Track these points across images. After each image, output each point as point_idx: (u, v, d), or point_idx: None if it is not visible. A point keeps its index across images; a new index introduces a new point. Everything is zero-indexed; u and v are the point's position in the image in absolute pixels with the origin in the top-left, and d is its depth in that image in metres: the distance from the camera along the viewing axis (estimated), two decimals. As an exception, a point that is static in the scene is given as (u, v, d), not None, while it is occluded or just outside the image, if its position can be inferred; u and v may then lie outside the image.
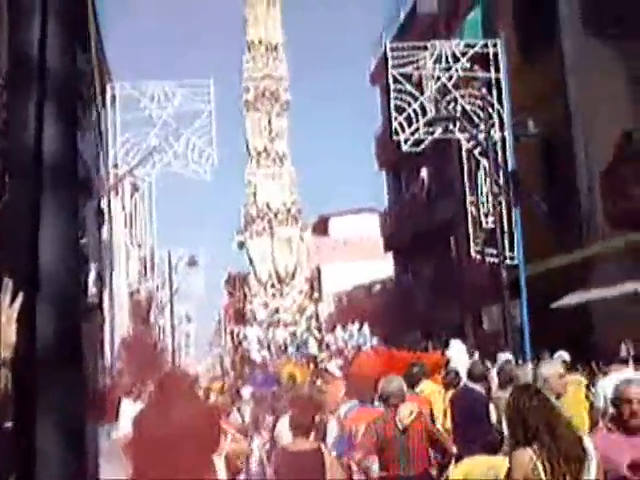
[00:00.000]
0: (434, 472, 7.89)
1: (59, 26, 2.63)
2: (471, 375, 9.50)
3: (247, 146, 43.82)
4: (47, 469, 2.35)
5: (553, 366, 7.32)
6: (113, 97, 23.05)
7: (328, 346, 30.15)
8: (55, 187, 2.52)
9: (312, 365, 25.50)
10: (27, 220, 2.44)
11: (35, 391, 2.37)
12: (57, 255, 2.47)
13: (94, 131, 26.73)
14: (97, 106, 23.47)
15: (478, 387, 9.39)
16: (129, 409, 6.57)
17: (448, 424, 9.21)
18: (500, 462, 5.20)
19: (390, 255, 39.96)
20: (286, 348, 37.27)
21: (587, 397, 9.87)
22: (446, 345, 12.44)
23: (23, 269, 2.43)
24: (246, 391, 14.89)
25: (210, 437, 4.30)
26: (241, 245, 44.75)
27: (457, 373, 10.52)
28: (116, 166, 22.90)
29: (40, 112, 2.50)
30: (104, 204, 23.99)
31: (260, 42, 43.52)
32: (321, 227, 61.60)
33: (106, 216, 24.00)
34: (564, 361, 11.40)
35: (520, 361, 14.18)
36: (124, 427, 6.08)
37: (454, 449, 8.26)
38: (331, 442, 8.10)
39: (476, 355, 14.00)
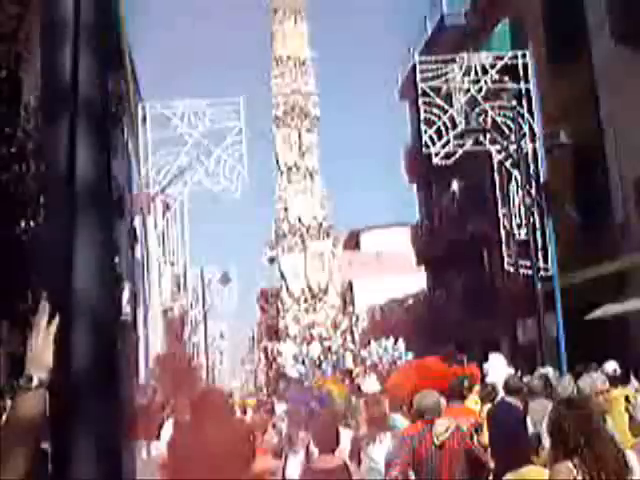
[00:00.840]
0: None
1: (91, 47, 2.65)
2: (508, 388, 9.40)
3: (277, 161, 43.95)
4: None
5: (595, 381, 7.24)
6: (144, 117, 23.25)
7: (363, 361, 30.06)
8: (89, 208, 2.53)
9: (347, 380, 25.43)
10: (61, 242, 2.46)
11: (71, 412, 2.37)
12: (92, 276, 2.48)
13: (126, 151, 27.00)
14: (128, 126, 23.73)
15: (515, 400, 9.29)
16: (169, 428, 6.60)
17: (484, 439, 9.11)
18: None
19: (422, 269, 39.78)
20: (320, 363, 37.19)
21: (627, 410, 9.73)
22: (483, 359, 12.34)
23: (58, 291, 2.44)
24: (280, 408, 14.85)
25: (244, 456, 4.28)
26: (272, 260, 44.82)
27: (494, 387, 10.42)
28: (148, 185, 23.06)
29: (73, 134, 2.52)
30: (137, 223, 24.17)
31: (288, 58, 43.69)
32: (352, 242, 61.57)
33: (139, 235, 24.19)
34: (608, 374, 11.27)
35: (557, 374, 14.01)
36: (160, 446, 6.10)
37: (492, 464, 8.17)
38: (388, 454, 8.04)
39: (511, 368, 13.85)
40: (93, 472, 2.37)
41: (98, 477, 2.38)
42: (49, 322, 2.35)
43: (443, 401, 8.59)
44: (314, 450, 8.18)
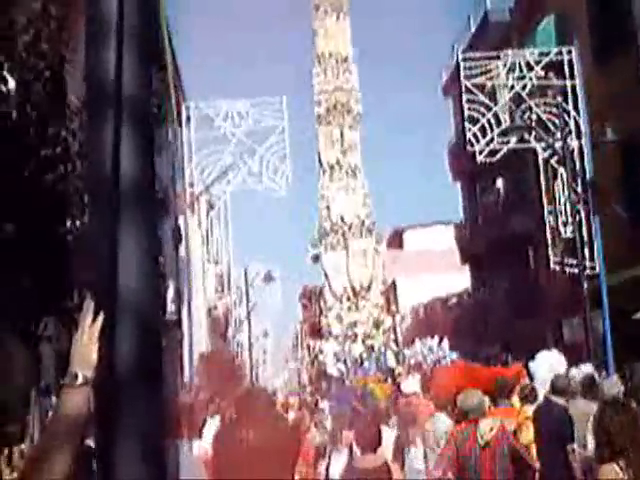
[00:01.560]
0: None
1: (135, 47, 2.66)
2: (554, 388, 9.29)
3: (319, 159, 43.89)
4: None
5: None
6: (188, 117, 23.44)
7: (406, 360, 29.94)
8: (133, 207, 2.54)
9: (390, 379, 25.35)
10: (106, 240, 2.47)
11: (115, 410, 2.38)
12: (136, 274, 2.49)
13: (170, 151, 27.23)
14: (173, 126, 23.92)
15: (561, 400, 9.17)
16: (211, 426, 6.62)
17: (524, 439, 9.02)
18: None
19: (467, 267, 39.53)
20: (362, 362, 37.12)
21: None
22: (528, 358, 12.21)
23: (103, 289, 2.45)
24: (324, 406, 14.85)
25: (290, 455, 4.28)
26: (316, 259, 44.82)
27: (533, 388, 10.33)
28: (192, 185, 23.24)
29: (117, 134, 2.53)
30: (181, 222, 24.36)
31: (330, 55, 43.52)
32: (396, 240, 61.42)
33: (183, 234, 24.38)
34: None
35: (603, 373, 13.83)
36: (205, 444, 6.12)
37: (537, 464, 8.09)
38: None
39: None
40: (137, 471, 2.38)
41: (142, 476, 2.38)
42: (94, 320, 2.37)
43: (487, 401, 8.53)
44: (357, 449, 8.17)
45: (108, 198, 2.51)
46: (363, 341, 42.71)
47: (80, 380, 2.31)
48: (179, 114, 24.37)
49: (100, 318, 2.36)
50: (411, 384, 13.58)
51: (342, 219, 43.97)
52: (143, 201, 2.59)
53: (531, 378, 11.03)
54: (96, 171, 2.57)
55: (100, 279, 2.48)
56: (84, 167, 8.71)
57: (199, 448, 6.18)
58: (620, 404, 4.68)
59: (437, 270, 51.51)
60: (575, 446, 8.28)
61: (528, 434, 9.28)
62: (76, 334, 2.37)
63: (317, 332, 47.74)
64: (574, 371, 10.75)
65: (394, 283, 53.55)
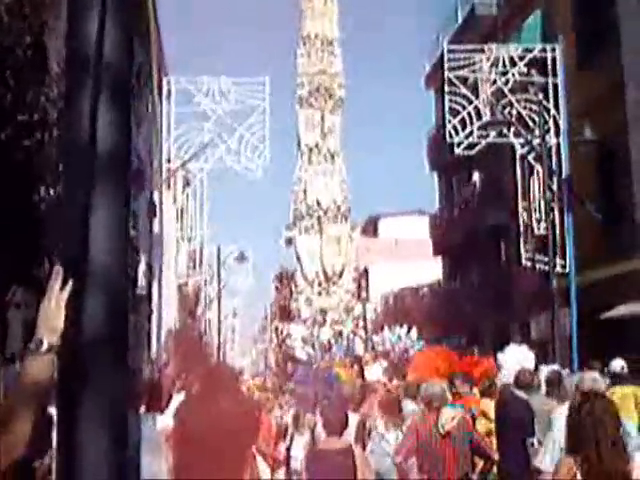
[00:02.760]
0: (475, 478, 7.84)
1: (118, 19, 2.66)
2: (518, 383, 9.41)
3: (298, 142, 43.70)
4: (88, 457, 2.37)
5: (595, 380, 7.24)
6: (169, 91, 23.27)
7: (374, 347, 30.09)
8: (108, 178, 2.54)
9: (356, 366, 25.46)
10: (79, 209, 2.47)
11: (79, 379, 2.39)
12: (107, 245, 2.50)
13: (149, 124, 27.03)
14: (153, 99, 23.75)
15: (524, 395, 9.29)
16: (176, 402, 6.62)
17: (481, 429, 9.14)
18: None
19: (439, 258, 39.73)
20: (330, 347, 37.23)
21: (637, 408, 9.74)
22: (496, 351, 12.33)
23: (73, 257, 2.45)
24: (289, 388, 14.91)
25: (248, 434, 4.31)
26: (289, 241, 44.73)
27: (493, 382, 10.51)
28: (169, 160, 23.12)
29: (95, 103, 2.52)
30: (156, 197, 24.23)
31: (316, 36, 43.20)
32: (370, 228, 61.53)
33: (158, 209, 24.26)
34: (615, 372, 11.23)
35: (567, 371, 13.98)
36: (167, 419, 6.14)
37: (495, 455, 8.20)
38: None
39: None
40: (98, 439, 2.39)
41: (102, 444, 2.40)
42: (62, 287, 2.37)
43: (447, 390, 8.63)
44: (320, 432, 8.23)
45: (82, 167, 2.51)
46: (332, 326, 42.78)
47: (45, 346, 2.32)
48: (160, 88, 24.20)
49: (68, 286, 2.37)
50: (374, 371, 13.69)
51: (318, 203, 43.85)
52: (117, 172, 2.59)
53: (497, 369, 11.15)
54: (72, 139, 2.57)
55: (70, 247, 2.48)
56: (60, 135, 8.64)
57: (161, 422, 6.19)
58: (599, 396, 4.72)
59: (410, 259, 51.72)
60: (534, 440, 8.39)
61: (486, 425, 9.43)
62: (43, 301, 2.37)
63: (286, 315, 47.76)
64: (542, 368, 10.90)
65: (366, 270, 53.72)
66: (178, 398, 6.99)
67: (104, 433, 2.40)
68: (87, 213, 2.46)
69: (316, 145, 43.37)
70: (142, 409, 6.14)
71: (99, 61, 2.55)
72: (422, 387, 8.04)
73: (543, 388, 9.72)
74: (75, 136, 2.55)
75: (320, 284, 44.42)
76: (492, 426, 9.32)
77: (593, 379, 7.02)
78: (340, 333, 41.52)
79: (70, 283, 2.37)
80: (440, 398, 7.76)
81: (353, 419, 8.43)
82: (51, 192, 8.95)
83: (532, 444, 8.37)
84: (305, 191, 44.03)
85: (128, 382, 2.74)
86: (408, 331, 26.76)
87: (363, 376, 13.80)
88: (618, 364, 11.46)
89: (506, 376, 10.13)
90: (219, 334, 41.65)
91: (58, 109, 8.79)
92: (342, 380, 16.99)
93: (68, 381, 2.40)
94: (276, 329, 52.28)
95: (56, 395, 2.42)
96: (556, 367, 12.25)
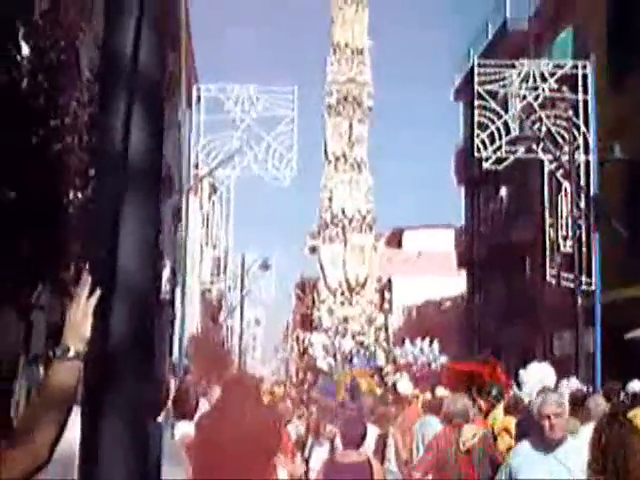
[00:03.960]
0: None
1: (153, 26, 2.66)
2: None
3: (325, 150, 43.68)
4: (110, 462, 2.36)
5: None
6: (198, 98, 23.35)
7: (395, 359, 29.97)
8: (138, 185, 2.54)
9: (377, 377, 25.39)
10: (109, 216, 2.47)
11: (104, 385, 2.38)
12: (135, 252, 2.49)
13: (177, 130, 27.15)
14: (182, 105, 23.86)
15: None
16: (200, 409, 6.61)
17: (501, 447, 9.03)
18: None
19: (462, 272, 39.56)
20: (352, 358, 37.11)
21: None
22: (517, 367, 12.22)
23: (101, 264, 2.45)
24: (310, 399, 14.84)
25: (272, 444, 4.28)
26: (313, 250, 44.65)
27: (518, 399, 10.37)
28: (197, 166, 23.18)
29: (130, 110, 2.53)
30: (182, 203, 24.31)
31: (346, 45, 43.24)
32: (395, 239, 61.41)
33: (183, 215, 24.33)
34: (635, 393, 11.09)
35: (590, 389, 13.83)
36: (187, 427, 6.11)
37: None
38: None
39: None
40: (122, 445, 2.39)
41: (126, 450, 2.39)
42: (90, 294, 2.36)
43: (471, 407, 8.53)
44: (340, 444, 8.19)
45: (115, 173, 2.51)
46: (353, 337, 42.64)
47: (72, 353, 2.31)
48: (189, 95, 24.32)
49: (96, 294, 2.36)
50: (406, 385, 13.59)
51: (343, 212, 43.73)
52: (149, 180, 2.59)
53: (519, 386, 11.04)
54: (105, 145, 2.57)
55: (99, 254, 2.48)
56: (91, 140, 8.69)
57: (181, 430, 6.16)
58: (618, 417, 4.67)
59: (433, 272, 51.56)
60: None
61: (507, 442, 9.32)
62: (71, 307, 2.37)
63: (308, 324, 47.65)
64: (563, 386, 10.76)
65: (390, 281, 53.56)
66: (202, 406, 6.99)
67: (128, 439, 2.40)
68: (118, 220, 2.46)
69: (343, 154, 43.30)
70: (162, 416, 6.13)
71: (134, 67, 2.56)
72: (445, 402, 7.98)
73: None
74: (108, 142, 2.55)
75: (343, 294, 44.26)
76: (513, 443, 9.22)
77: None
78: (362, 344, 41.37)
79: (98, 291, 2.36)
80: (462, 415, 7.68)
81: (373, 432, 8.38)
82: (79, 196, 9.00)
83: None
84: (330, 200, 43.97)
85: (152, 389, 2.73)
86: (430, 344, 26.65)
87: (395, 389, 13.64)
88: (637, 385, 11.32)
89: (527, 393, 10.03)
90: (240, 341, 41.71)
91: (88, 113, 8.85)
92: (361, 391, 16.94)
93: (93, 389, 2.39)
94: (297, 338, 52.21)
95: (81, 402, 2.42)
96: (580, 385, 12.15)
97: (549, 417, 5.11)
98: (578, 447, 5.15)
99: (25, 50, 8.64)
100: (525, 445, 5.44)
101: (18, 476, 2.21)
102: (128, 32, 2.60)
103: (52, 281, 9.15)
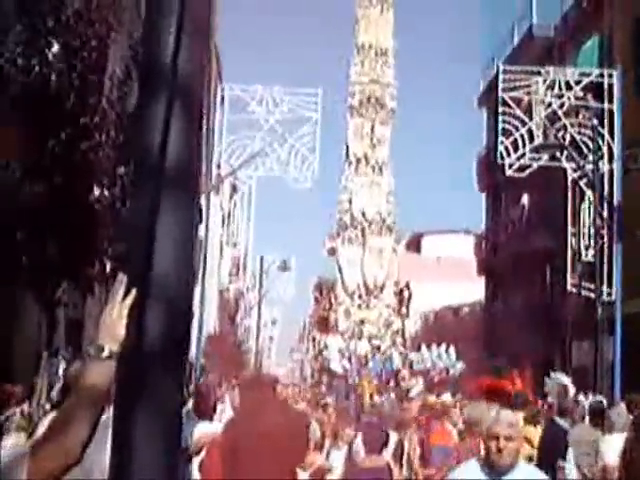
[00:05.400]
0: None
1: (193, 27, 2.66)
2: (561, 410, 9.27)
3: (347, 152, 43.51)
4: (142, 461, 2.37)
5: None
6: (222, 98, 23.38)
7: (411, 365, 29.87)
8: (175, 185, 2.54)
9: (393, 382, 25.31)
10: (145, 216, 2.47)
11: (137, 386, 2.39)
12: (171, 253, 2.50)
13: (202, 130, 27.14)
14: (207, 106, 23.88)
15: (565, 423, 9.15)
16: (221, 412, 6.62)
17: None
18: None
19: (482, 279, 39.41)
20: (367, 361, 36.99)
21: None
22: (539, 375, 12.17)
23: (138, 265, 2.45)
24: (328, 401, 14.83)
25: (298, 448, 4.27)
26: (332, 251, 44.51)
27: (539, 410, 10.32)
28: (219, 166, 23.20)
29: (169, 110, 2.53)
30: (203, 202, 24.35)
31: (370, 46, 42.99)
32: (414, 244, 61.24)
33: (204, 214, 24.38)
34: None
35: (609, 401, 13.74)
36: (205, 427, 6.12)
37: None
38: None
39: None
40: (153, 444, 2.39)
41: (157, 449, 2.40)
42: (125, 295, 2.37)
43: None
44: (357, 448, 8.17)
45: (152, 173, 2.51)
46: (369, 340, 42.49)
47: (106, 353, 2.32)
48: (214, 94, 24.34)
49: (131, 295, 2.36)
50: (418, 388, 13.59)
51: (363, 214, 43.55)
52: (186, 180, 2.58)
53: (544, 396, 10.99)
54: (143, 144, 2.57)
55: (136, 255, 2.48)
56: (119, 138, 8.73)
57: (200, 430, 6.16)
58: None
59: (452, 278, 51.40)
60: (565, 464, 8.24)
61: (524, 453, 9.26)
62: (106, 307, 2.37)
63: (324, 326, 47.52)
64: (581, 398, 10.72)
65: (407, 285, 53.41)
66: (221, 408, 6.99)
67: (159, 438, 2.41)
68: (155, 220, 2.46)
69: (365, 155, 43.09)
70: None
71: (174, 67, 2.56)
72: (465, 409, 7.95)
73: (587, 418, 9.56)
74: (147, 142, 2.55)
75: (360, 296, 44.11)
76: (533, 452, 9.18)
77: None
78: (378, 347, 41.25)
79: (134, 292, 2.36)
80: (482, 423, 7.63)
81: (393, 438, 8.36)
82: (106, 193, 9.03)
83: (560, 467, 8.24)
84: (350, 201, 43.78)
85: (183, 390, 2.74)
86: (446, 349, 26.57)
87: (408, 395, 13.65)
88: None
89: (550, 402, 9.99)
90: (257, 342, 41.72)
91: (116, 112, 8.89)
92: (360, 391, 16.81)
93: (126, 389, 2.40)
94: (313, 340, 52.14)
95: (114, 401, 2.42)
96: (599, 397, 12.08)
97: (497, 438, 4.42)
98: (530, 473, 4.69)
99: (55, 48, 8.68)
100: (473, 466, 4.69)
101: (48, 474, 2.22)
102: (168, 32, 2.60)
103: (76, 278, 9.19)
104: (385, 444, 6.50)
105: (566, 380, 10.80)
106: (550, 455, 8.55)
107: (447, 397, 10.95)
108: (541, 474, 4.77)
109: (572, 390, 10.55)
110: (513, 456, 4.51)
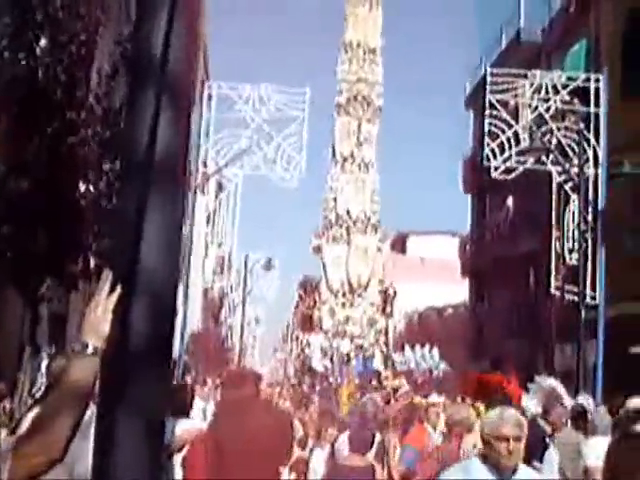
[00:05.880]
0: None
1: (183, 24, 2.66)
2: (545, 414, 9.28)
3: (333, 150, 43.42)
4: (123, 458, 2.36)
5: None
6: (209, 96, 23.30)
7: (394, 364, 29.90)
8: (163, 182, 2.53)
9: (375, 382, 25.30)
10: (133, 214, 2.46)
11: (120, 383, 2.38)
12: (157, 250, 2.49)
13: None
14: (194, 103, 23.80)
15: (546, 425, 9.15)
16: (200, 410, 6.60)
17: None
18: None
19: (466, 280, 39.51)
20: (349, 360, 36.98)
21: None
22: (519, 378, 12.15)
23: (123, 262, 2.44)
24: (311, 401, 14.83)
25: (283, 447, 4.27)
26: (317, 249, 44.44)
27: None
28: (205, 164, 23.14)
29: (157, 106, 2.52)
30: (189, 200, 24.28)
31: (358, 44, 42.84)
32: (399, 244, 61.32)
33: (189, 212, 24.30)
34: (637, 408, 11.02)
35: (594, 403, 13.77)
36: (185, 425, 6.10)
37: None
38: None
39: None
40: (136, 440, 2.39)
41: (140, 446, 2.39)
42: (110, 291, 2.36)
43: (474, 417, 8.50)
44: (340, 447, 8.17)
45: (140, 169, 2.49)
46: (352, 339, 42.44)
47: (90, 350, 2.31)
48: (201, 92, 24.25)
49: (117, 292, 2.36)
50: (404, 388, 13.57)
51: (348, 213, 43.47)
52: (173, 177, 2.57)
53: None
54: (131, 140, 2.56)
55: (122, 252, 2.46)
56: (105, 133, 8.69)
57: (180, 428, 6.14)
58: (632, 438, 4.60)
59: (436, 279, 51.51)
60: (542, 465, 8.26)
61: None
62: (91, 304, 2.36)
63: (308, 324, 47.48)
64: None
65: (392, 286, 53.48)
66: (206, 406, 6.98)
67: (142, 435, 2.40)
68: (142, 217, 2.45)
69: (351, 154, 43.01)
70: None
71: (164, 64, 2.55)
72: (448, 411, 7.95)
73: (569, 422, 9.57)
74: (135, 138, 2.54)
75: (344, 295, 44.05)
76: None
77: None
78: (361, 347, 41.24)
79: (119, 289, 2.35)
80: (463, 424, 7.65)
81: (377, 438, 8.36)
82: (91, 189, 8.99)
83: (537, 468, 8.25)
84: (336, 200, 43.69)
85: (167, 387, 2.73)
86: (430, 350, 26.60)
87: (395, 395, 13.62)
88: (636, 403, 11.23)
89: (532, 407, 9.98)
90: (241, 340, 41.64)
91: (103, 108, 8.85)
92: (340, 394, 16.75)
93: (110, 386, 2.39)
94: (296, 338, 52.08)
95: (98, 397, 2.41)
96: (581, 400, 12.09)
97: (507, 440, 4.30)
98: (530, 473, 4.68)
99: (43, 42, 8.63)
100: (478, 465, 4.49)
101: (31, 471, 2.21)
102: (159, 28, 2.59)
103: (60, 273, 9.14)
104: (371, 444, 6.51)
105: (554, 383, 10.78)
106: (526, 456, 8.55)
107: (434, 398, 10.93)
108: (537, 474, 4.77)
109: (563, 392, 10.52)
110: (519, 458, 4.45)
